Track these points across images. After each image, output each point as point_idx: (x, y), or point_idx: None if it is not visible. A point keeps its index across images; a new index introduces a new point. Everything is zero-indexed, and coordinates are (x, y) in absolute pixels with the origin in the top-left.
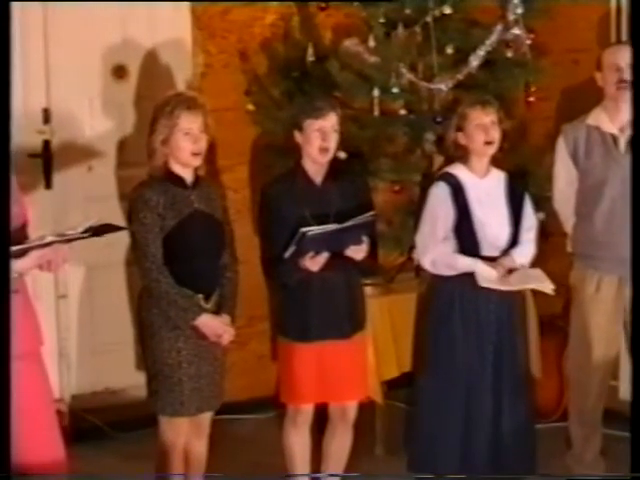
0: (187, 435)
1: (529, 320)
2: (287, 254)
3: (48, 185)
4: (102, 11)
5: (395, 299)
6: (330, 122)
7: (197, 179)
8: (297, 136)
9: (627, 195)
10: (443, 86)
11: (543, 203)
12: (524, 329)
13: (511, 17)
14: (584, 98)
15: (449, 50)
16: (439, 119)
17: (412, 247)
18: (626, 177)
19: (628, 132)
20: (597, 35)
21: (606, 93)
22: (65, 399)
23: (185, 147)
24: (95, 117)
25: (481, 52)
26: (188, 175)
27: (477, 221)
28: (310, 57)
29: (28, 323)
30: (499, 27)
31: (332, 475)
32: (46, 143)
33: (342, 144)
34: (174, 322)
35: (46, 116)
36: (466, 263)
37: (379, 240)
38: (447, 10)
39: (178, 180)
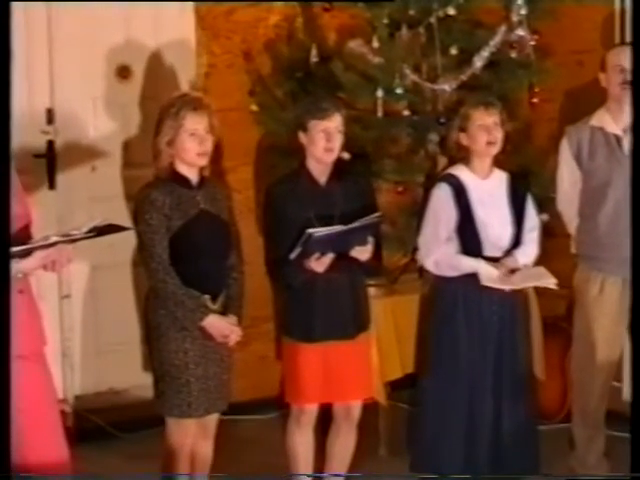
0: (194, 437)
1: (533, 322)
2: (293, 255)
3: (52, 185)
4: (106, 11)
5: (398, 300)
6: (335, 123)
7: (203, 179)
8: (301, 137)
9: None
10: (447, 87)
11: (547, 204)
12: (527, 330)
13: (515, 18)
14: (588, 99)
15: (453, 51)
16: (443, 120)
17: (415, 248)
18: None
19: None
20: (601, 36)
21: (610, 94)
22: (69, 399)
23: (191, 148)
24: (99, 117)
25: (485, 53)
26: (194, 176)
27: (479, 222)
28: (314, 58)
29: (32, 323)
30: (503, 28)
31: (336, 475)
32: (50, 143)
33: (346, 145)
34: (181, 323)
35: (50, 116)
36: (469, 264)
37: (383, 241)
38: (451, 11)
39: (184, 181)
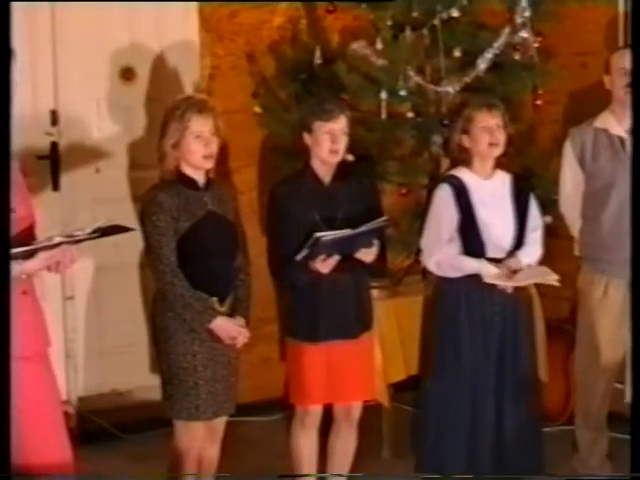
0: (202, 440)
1: (536, 323)
2: (299, 257)
3: (56, 187)
4: (110, 13)
5: (402, 302)
6: (340, 124)
7: (209, 181)
8: (306, 138)
9: None
10: (450, 89)
11: (550, 206)
12: (530, 332)
13: (519, 20)
14: (592, 101)
15: (457, 53)
16: (446, 122)
17: (419, 250)
18: None
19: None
20: (605, 38)
21: (614, 96)
22: (72, 401)
23: (196, 150)
24: (103, 119)
25: (489, 55)
26: (200, 177)
27: (481, 222)
28: (317, 60)
29: (36, 324)
30: (507, 30)
31: (338, 475)
32: (54, 145)
33: (349, 147)
34: (189, 325)
35: (54, 118)
36: (471, 264)
37: (386, 243)
38: (455, 13)
39: (190, 182)
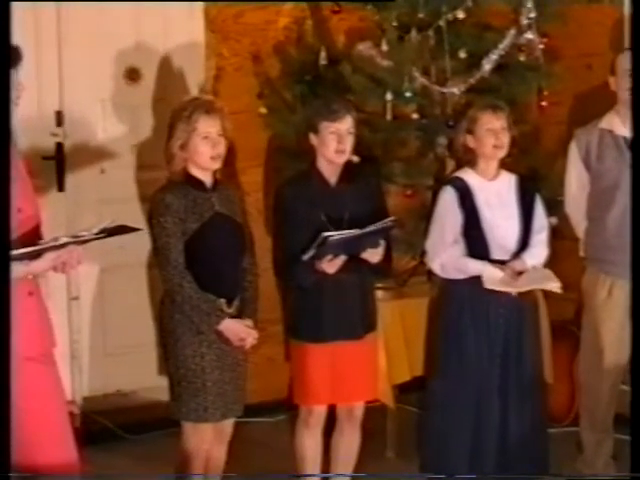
0: (210, 442)
1: (541, 325)
2: (306, 257)
3: (61, 187)
4: (115, 14)
5: (407, 303)
6: (346, 125)
7: (216, 182)
8: (312, 138)
9: None
10: (456, 90)
11: (555, 207)
12: (536, 333)
13: (524, 21)
14: (597, 103)
15: (462, 54)
16: (451, 123)
17: (424, 251)
18: None
19: None
20: (611, 40)
21: (619, 98)
22: (76, 401)
23: (204, 151)
24: (108, 120)
25: (494, 56)
26: (207, 178)
27: (486, 224)
28: (323, 61)
29: (42, 325)
30: (512, 31)
31: (342, 475)
32: (59, 145)
33: (355, 148)
34: (197, 327)
35: (59, 119)
36: (474, 266)
37: (392, 244)
38: (460, 14)
39: (198, 183)
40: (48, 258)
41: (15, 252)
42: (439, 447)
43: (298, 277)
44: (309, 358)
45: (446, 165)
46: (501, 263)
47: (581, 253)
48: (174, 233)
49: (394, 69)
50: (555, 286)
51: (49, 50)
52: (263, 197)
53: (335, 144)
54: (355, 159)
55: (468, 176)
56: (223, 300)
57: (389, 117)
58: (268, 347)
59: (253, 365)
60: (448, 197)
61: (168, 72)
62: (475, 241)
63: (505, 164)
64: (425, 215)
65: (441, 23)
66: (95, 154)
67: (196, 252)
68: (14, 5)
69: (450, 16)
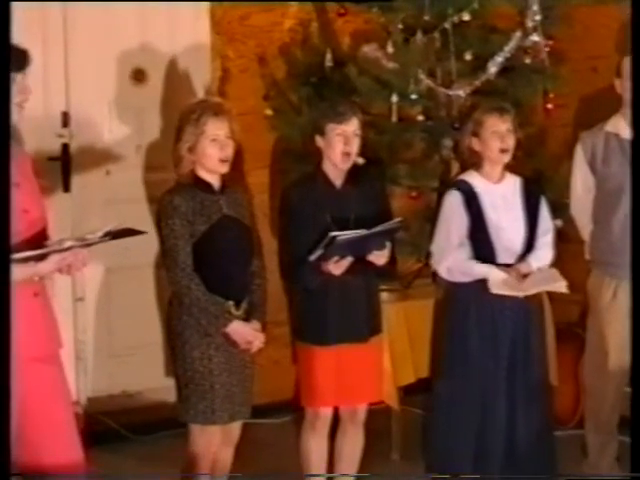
0: (217, 444)
1: (546, 327)
2: (313, 257)
3: (67, 188)
4: (121, 15)
5: (412, 305)
6: (352, 127)
7: (224, 184)
8: (318, 140)
9: None
10: (461, 92)
11: (560, 210)
12: (541, 335)
13: (530, 24)
14: (602, 105)
15: (468, 56)
16: (457, 125)
17: (429, 253)
18: None
19: None
20: (616, 42)
21: (625, 100)
22: (81, 402)
23: (212, 154)
24: (114, 121)
25: (499, 58)
26: (215, 181)
27: (492, 227)
28: (328, 62)
29: (48, 326)
30: (518, 34)
31: (346, 475)
32: (65, 146)
33: (360, 149)
34: (205, 329)
35: (65, 119)
36: (480, 270)
37: (396, 246)
38: (466, 16)
39: (206, 186)
40: (53, 260)
41: (21, 254)
42: (444, 449)
43: (304, 279)
44: (315, 361)
45: (451, 167)
46: (507, 266)
47: (586, 256)
48: (182, 235)
49: (400, 71)
50: (561, 285)
51: (55, 51)
52: (269, 199)
53: (341, 146)
54: (360, 161)
55: (473, 179)
56: (231, 302)
57: (394, 119)
58: (274, 349)
59: (259, 367)
60: (454, 200)
61: (174, 73)
62: (481, 244)
63: (510, 167)
64: (430, 217)
65: (447, 25)
66: (101, 155)
67: (204, 255)
68: (21, 6)
69: (456, 18)
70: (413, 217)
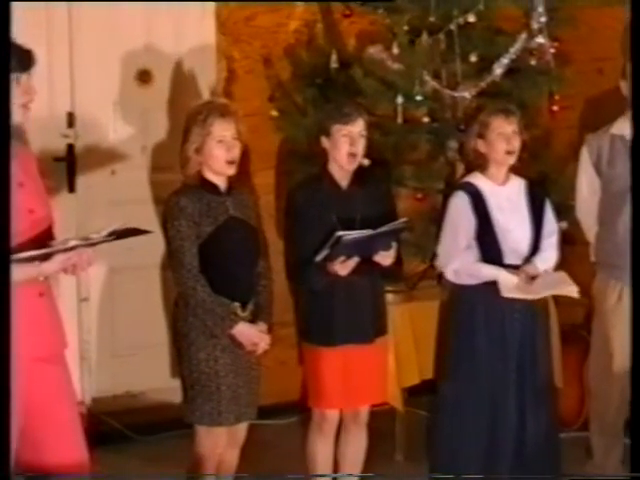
0: (223, 446)
1: (551, 329)
2: (319, 257)
3: (72, 189)
4: (127, 16)
5: (416, 306)
6: (358, 128)
7: (231, 186)
8: (324, 142)
9: None
10: (467, 94)
11: (565, 212)
12: (548, 337)
13: (535, 25)
14: (608, 107)
15: (473, 58)
16: (462, 127)
17: (434, 254)
18: None
19: None
20: (621, 44)
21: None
22: (85, 402)
23: (219, 155)
24: (119, 121)
25: (505, 60)
26: (222, 182)
27: (499, 228)
28: (334, 64)
29: (53, 326)
30: (523, 35)
31: (351, 476)
32: (70, 147)
33: (365, 151)
34: (211, 331)
35: (70, 120)
36: (489, 272)
37: (402, 247)
38: (471, 18)
39: (213, 187)
40: (58, 260)
41: (25, 254)
42: (450, 450)
43: (310, 280)
44: (321, 362)
45: (456, 169)
46: (514, 268)
47: (592, 258)
48: (188, 236)
49: (405, 72)
50: (572, 290)
51: (61, 52)
52: (274, 200)
53: (347, 147)
54: (365, 162)
55: (479, 181)
56: (237, 304)
57: (400, 120)
58: (279, 350)
59: (265, 368)
60: (460, 202)
61: (179, 74)
62: (488, 246)
63: (515, 169)
64: (435, 218)
65: (452, 27)
66: (106, 155)
67: (210, 256)
68: (26, 7)
69: (461, 20)
70: (418, 218)
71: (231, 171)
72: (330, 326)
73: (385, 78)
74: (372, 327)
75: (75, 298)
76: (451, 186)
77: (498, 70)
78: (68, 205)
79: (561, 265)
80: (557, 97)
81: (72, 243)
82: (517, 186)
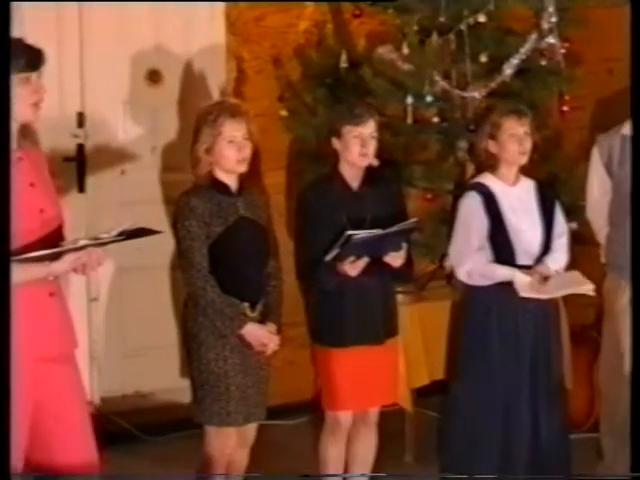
0: (233, 446)
1: (561, 330)
2: (329, 257)
3: (82, 189)
4: (137, 16)
5: (426, 307)
6: (369, 129)
7: (242, 186)
8: (335, 143)
9: None
10: (477, 94)
11: (576, 212)
12: (559, 338)
13: (545, 26)
14: (618, 108)
15: (483, 58)
16: (472, 127)
17: (444, 255)
18: None
19: None
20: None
21: None
22: (95, 402)
23: (230, 155)
24: (129, 121)
25: (515, 60)
26: (233, 182)
27: (511, 229)
28: (343, 64)
29: (63, 326)
30: (533, 36)
31: (361, 476)
32: (80, 147)
33: (375, 151)
34: (220, 331)
35: (80, 120)
36: (503, 273)
37: (411, 248)
38: (481, 18)
39: (223, 187)
40: (68, 260)
41: (35, 253)
42: (462, 450)
43: (320, 280)
44: (332, 363)
45: (466, 169)
46: (526, 269)
47: (602, 259)
48: (198, 237)
49: (415, 73)
50: (588, 288)
51: (71, 51)
52: (284, 200)
53: (358, 148)
54: (375, 162)
55: (490, 181)
56: (246, 304)
57: (410, 121)
58: (289, 350)
59: (274, 368)
60: (473, 202)
61: (189, 74)
62: (501, 247)
63: (525, 169)
64: (445, 219)
65: (462, 27)
66: (116, 155)
67: (220, 256)
68: (36, 6)
69: (471, 20)
70: (428, 219)
71: (242, 168)
72: (340, 327)
73: (395, 78)
74: (383, 328)
75: (85, 298)
76: (461, 186)
77: (508, 70)
78: (78, 205)
79: (571, 266)
80: (567, 97)
81: (82, 243)
82: (527, 187)
